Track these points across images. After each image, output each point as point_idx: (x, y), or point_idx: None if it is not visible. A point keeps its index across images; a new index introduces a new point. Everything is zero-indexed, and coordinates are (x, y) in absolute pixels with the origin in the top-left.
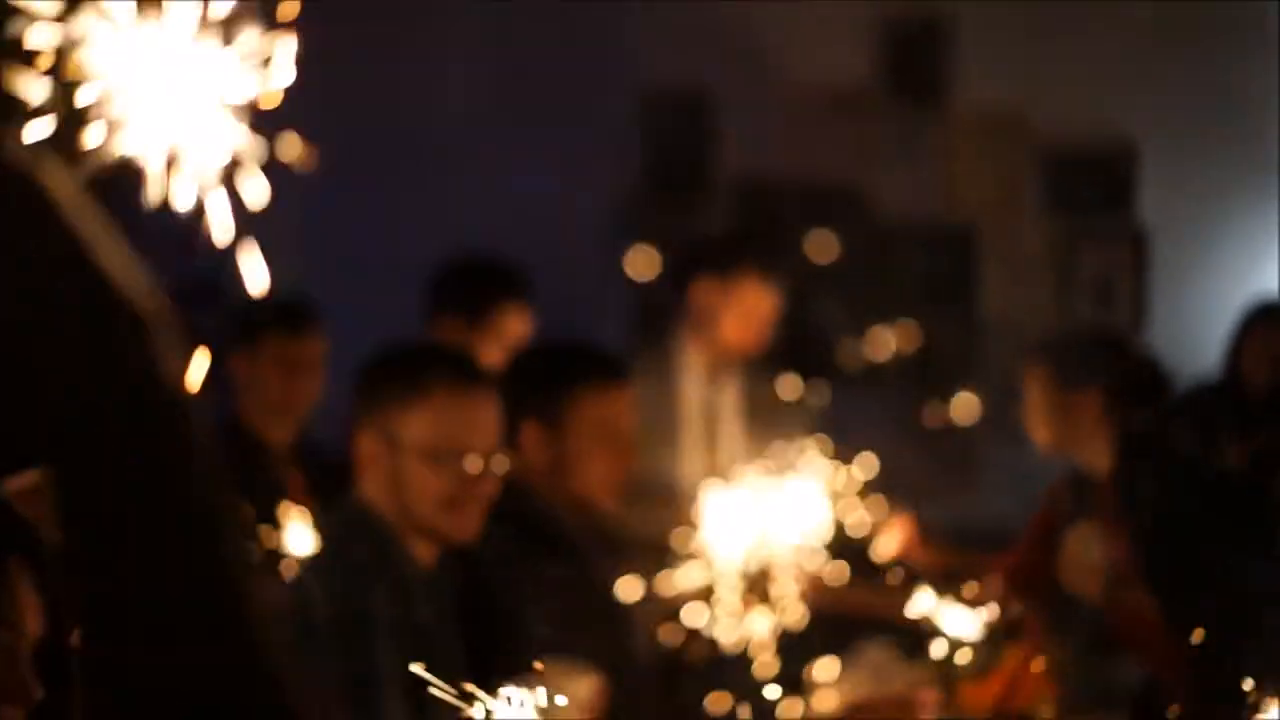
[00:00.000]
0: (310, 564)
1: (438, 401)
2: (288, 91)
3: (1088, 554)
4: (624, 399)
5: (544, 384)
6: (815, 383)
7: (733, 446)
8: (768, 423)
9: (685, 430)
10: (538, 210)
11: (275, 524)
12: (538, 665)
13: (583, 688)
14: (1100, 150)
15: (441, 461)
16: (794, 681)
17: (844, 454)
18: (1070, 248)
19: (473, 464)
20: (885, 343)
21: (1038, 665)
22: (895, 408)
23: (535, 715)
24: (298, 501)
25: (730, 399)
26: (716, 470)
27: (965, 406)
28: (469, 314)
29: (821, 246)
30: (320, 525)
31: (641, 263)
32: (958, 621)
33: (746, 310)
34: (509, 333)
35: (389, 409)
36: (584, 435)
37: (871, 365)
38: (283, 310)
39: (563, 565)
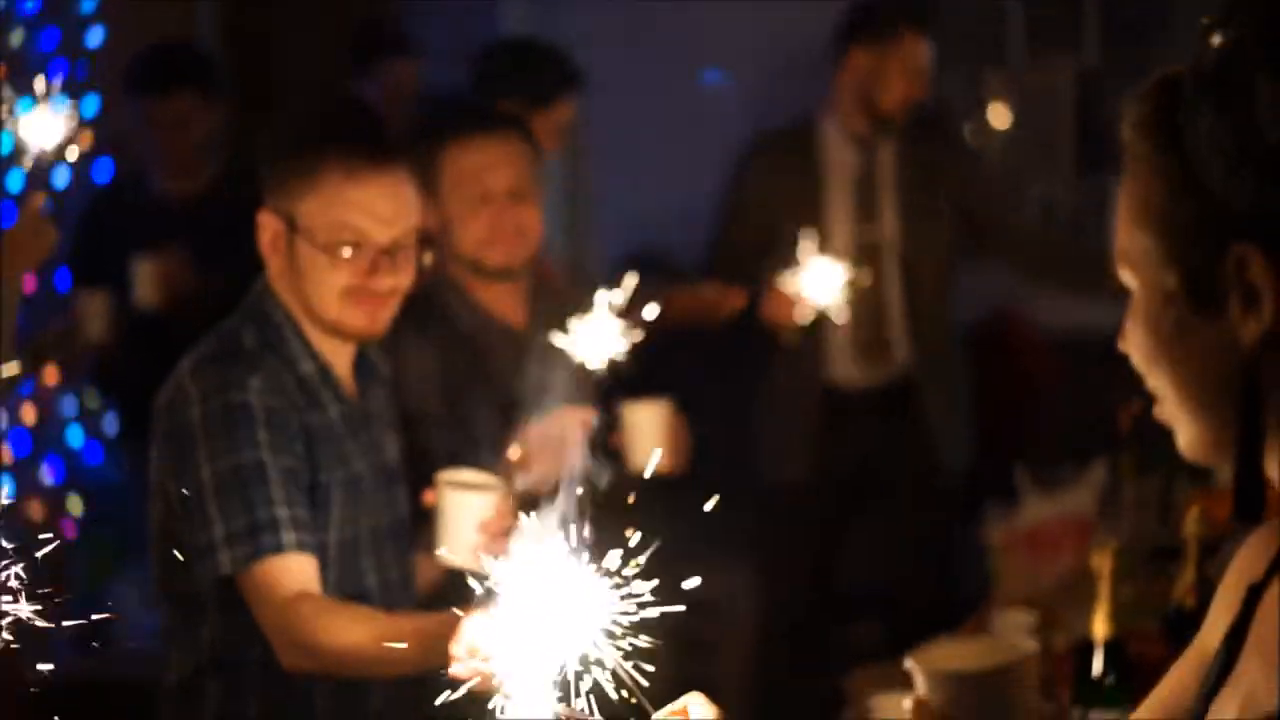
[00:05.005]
0: (199, 348)
1: (331, 186)
2: None
3: None
4: (494, 151)
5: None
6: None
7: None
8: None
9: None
10: None
11: None
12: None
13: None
14: None
15: (334, 252)
16: None
17: None
18: None
19: (366, 255)
20: None
21: None
22: None
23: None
24: None
25: (887, 162)
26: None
27: None
28: (530, 100)
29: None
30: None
31: None
32: None
33: (905, 70)
34: (561, 121)
35: (285, 187)
36: (457, 193)
37: None
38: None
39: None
